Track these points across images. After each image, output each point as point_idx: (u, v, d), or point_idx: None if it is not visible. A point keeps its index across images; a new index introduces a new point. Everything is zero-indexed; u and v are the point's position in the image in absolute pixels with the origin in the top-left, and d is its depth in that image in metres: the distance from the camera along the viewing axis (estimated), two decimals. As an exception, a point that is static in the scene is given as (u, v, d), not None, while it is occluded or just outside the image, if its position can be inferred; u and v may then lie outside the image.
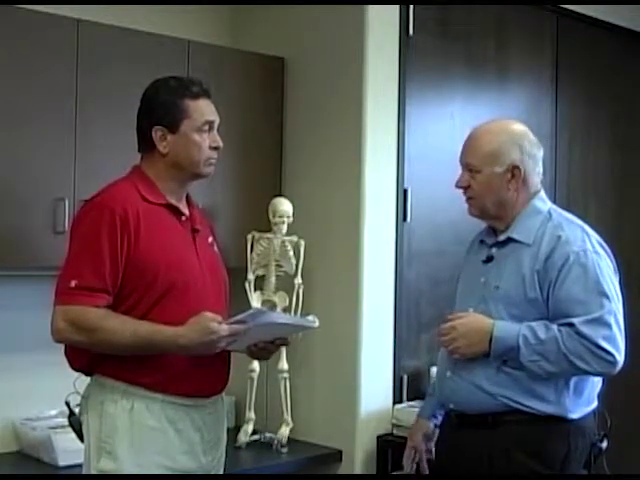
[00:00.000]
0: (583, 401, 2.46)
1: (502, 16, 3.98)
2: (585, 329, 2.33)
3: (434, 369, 3.60)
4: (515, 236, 2.50)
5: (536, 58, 4.16)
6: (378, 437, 3.47)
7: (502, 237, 2.53)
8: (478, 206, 2.54)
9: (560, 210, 2.58)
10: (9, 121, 2.93)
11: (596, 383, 2.51)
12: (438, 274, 3.68)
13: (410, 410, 3.44)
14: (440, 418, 2.71)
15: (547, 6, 4.14)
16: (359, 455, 3.45)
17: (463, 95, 3.83)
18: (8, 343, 3.22)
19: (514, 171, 2.49)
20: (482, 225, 2.68)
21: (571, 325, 2.34)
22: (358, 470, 3.45)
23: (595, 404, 2.52)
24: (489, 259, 2.54)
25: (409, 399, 3.58)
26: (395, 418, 3.48)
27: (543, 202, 2.56)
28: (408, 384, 3.60)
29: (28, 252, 2.99)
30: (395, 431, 3.47)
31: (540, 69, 4.18)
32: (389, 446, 3.46)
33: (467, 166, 2.53)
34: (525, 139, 2.53)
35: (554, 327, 2.36)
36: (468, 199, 2.56)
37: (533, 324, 2.38)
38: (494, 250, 2.55)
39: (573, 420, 2.43)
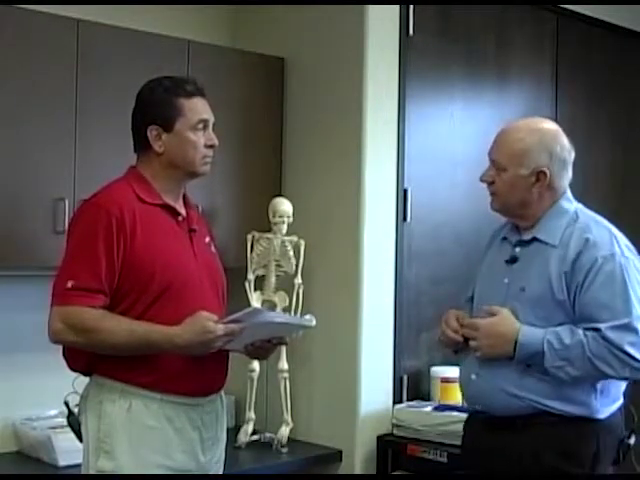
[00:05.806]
0: (610, 400, 2.44)
1: (502, 16, 3.98)
2: (611, 334, 2.30)
3: (434, 369, 3.61)
4: (541, 236, 2.47)
5: (536, 58, 4.16)
6: (378, 437, 3.46)
7: (527, 236, 2.50)
8: (501, 202, 2.52)
9: (587, 210, 2.55)
10: (9, 121, 2.93)
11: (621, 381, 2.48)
12: (438, 274, 3.69)
13: (410, 410, 3.44)
14: None
15: (547, 6, 4.14)
16: (359, 455, 3.45)
17: (463, 95, 3.83)
18: (8, 343, 3.23)
19: (539, 175, 2.46)
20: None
21: (597, 330, 2.32)
22: (358, 470, 3.45)
23: (621, 401, 2.50)
24: (513, 260, 2.51)
25: (409, 399, 3.58)
26: (395, 418, 3.47)
27: (569, 202, 2.53)
28: (408, 384, 3.60)
29: (28, 252, 2.99)
30: (395, 431, 3.47)
31: (540, 69, 4.17)
32: (389, 446, 3.46)
33: (494, 163, 2.51)
34: (557, 143, 2.48)
35: (579, 331, 2.33)
36: (491, 194, 2.54)
37: (558, 329, 2.35)
38: (518, 250, 2.51)
39: (601, 419, 2.41)
